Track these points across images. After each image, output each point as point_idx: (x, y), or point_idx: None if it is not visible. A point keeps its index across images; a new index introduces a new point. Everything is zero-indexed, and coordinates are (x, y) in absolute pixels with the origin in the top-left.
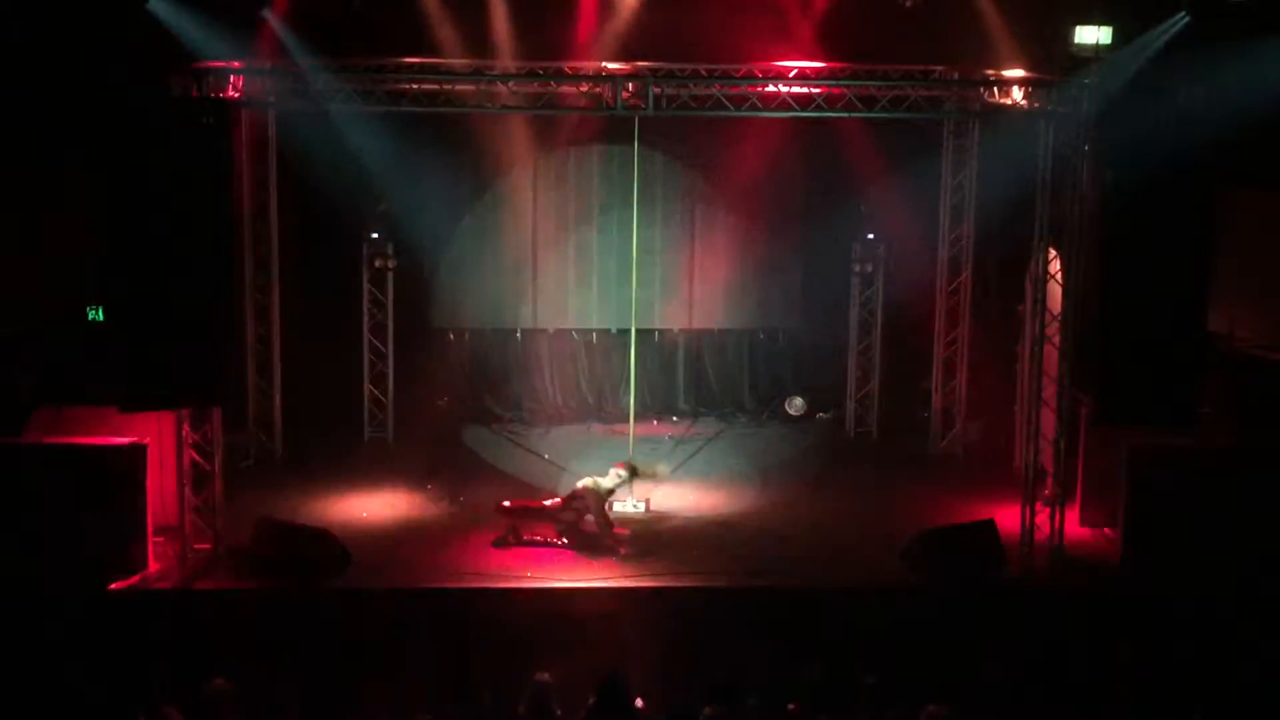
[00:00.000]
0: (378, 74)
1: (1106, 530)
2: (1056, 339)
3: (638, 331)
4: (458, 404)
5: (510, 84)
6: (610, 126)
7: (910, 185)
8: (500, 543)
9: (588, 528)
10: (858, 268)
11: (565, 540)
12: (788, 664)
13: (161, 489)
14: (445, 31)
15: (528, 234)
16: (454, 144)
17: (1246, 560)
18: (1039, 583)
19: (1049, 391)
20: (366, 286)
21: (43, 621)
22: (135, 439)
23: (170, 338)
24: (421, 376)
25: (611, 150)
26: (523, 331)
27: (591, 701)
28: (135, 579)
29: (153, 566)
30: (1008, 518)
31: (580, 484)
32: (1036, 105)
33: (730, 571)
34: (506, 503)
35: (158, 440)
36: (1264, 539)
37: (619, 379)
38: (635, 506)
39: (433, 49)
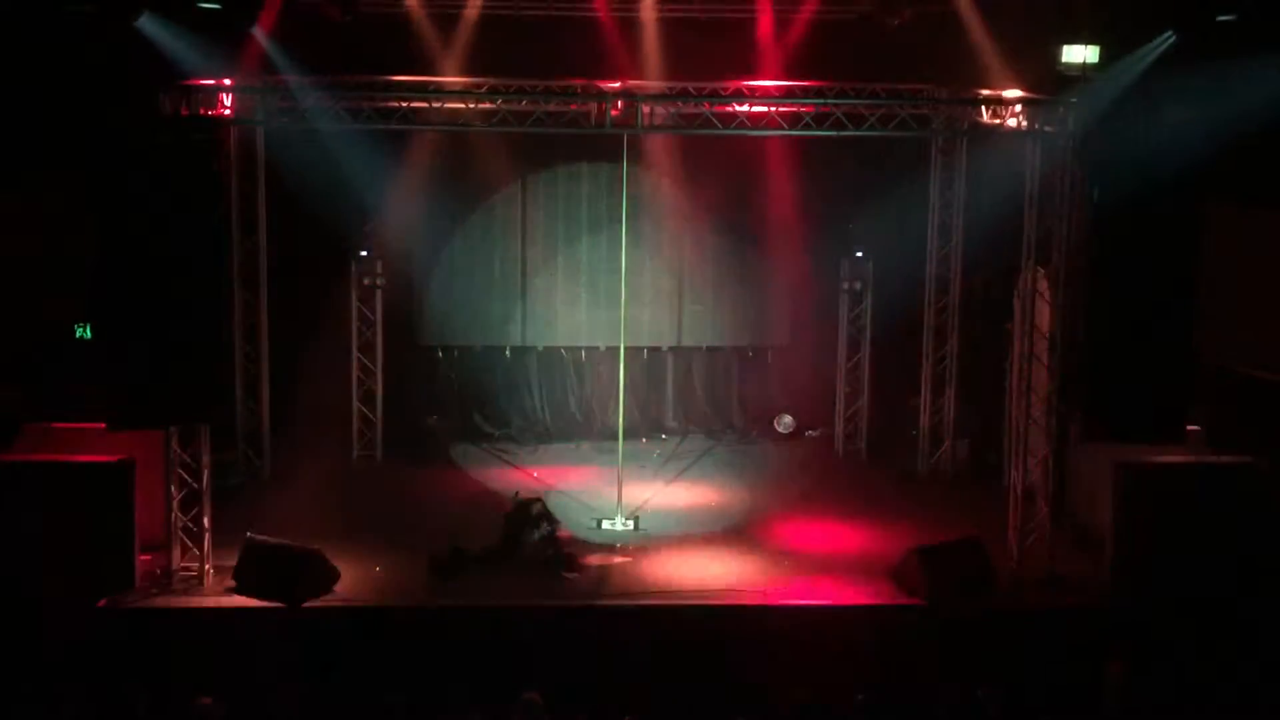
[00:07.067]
0: (366, 92)
1: (1096, 547)
2: (1044, 357)
3: (627, 349)
4: (447, 422)
5: (499, 101)
6: (599, 144)
7: (898, 203)
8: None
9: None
10: (846, 285)
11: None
12: (778, 683)
13: (149, 507)
14: (434, 49)
15: (517, 251)
16: (443, 162)
17: (1233, 576)
18: (1028, 599)
19: (1037, 409)
20: (355, 304)
21: (29, 638)
22: (122, 457)
23: (158, 355)
24: (410, 394)
25: (600, 168)
26: (512, 349)
27: None
28: (122, 596)
29: (140, 584)
30: (996, 535)
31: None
32: (1024, 124)
33: (719, 590)
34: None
35: (145, 458)
36: (1251, 555)
37: (608, 396)
38: (624, 525)
39: (422, 67)
